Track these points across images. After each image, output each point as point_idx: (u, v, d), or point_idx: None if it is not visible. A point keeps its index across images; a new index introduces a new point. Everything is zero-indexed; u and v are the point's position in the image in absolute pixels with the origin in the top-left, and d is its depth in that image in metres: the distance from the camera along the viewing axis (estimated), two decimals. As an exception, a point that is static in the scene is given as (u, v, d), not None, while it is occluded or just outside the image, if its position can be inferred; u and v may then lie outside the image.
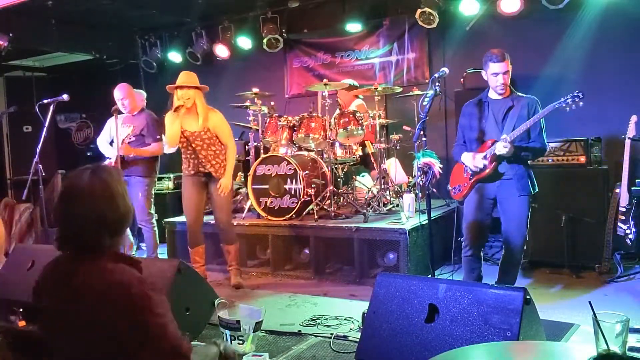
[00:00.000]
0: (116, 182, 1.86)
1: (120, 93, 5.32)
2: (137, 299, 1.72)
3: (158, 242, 5.55)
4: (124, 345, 1.71)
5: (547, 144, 3.83)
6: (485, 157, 3.76)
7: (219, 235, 4.98)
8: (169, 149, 5.36)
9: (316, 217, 5.17)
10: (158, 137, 5.35)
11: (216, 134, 4.68)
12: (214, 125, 4.66)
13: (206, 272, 4.97)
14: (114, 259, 1.81)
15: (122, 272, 1.77)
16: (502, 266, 3.99)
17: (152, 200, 5.49)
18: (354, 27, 6.74)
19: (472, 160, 3.81)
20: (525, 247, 3.89)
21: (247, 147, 6.50)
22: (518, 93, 3.88)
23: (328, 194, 5.29)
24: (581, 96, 3.50)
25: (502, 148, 3.62)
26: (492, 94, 3.89)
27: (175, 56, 7.74)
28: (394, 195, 5.62)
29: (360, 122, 5.33)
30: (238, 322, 3.33)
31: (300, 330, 3.73)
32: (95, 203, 1.79)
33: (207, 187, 4.79)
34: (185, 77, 4.63)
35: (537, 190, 3.85)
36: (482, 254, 4.05)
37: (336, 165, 5.65)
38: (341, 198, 5.66)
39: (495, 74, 3.75)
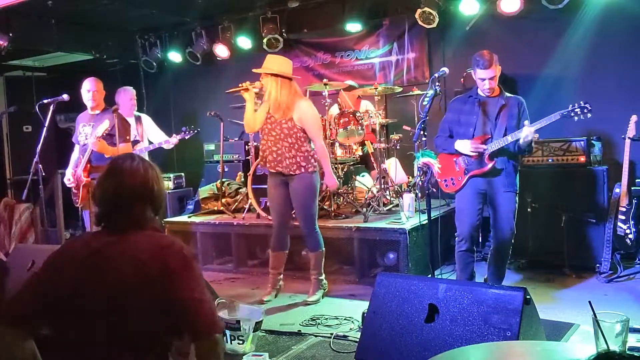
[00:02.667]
0: (154, 167, 2.01)
1: (90, 84, 5.02)
2: (189, 260, 1.85)
3: None
4: (164, 308, 1.78)
5: None
6: (483, 154, 3.83)
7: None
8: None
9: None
10: (127, 137, 5.03)
11: (302, 127, 4.21)
12: (302, 115, 4.18)
13: (281, 280, 4.62)
14: (157, 230, 1.95)
15: (171, 237, 1.95)
16: (493, 261, 4.05)
17: None
18: (353, 27, 6.73)
19: (470, 146, 3.85)
20: (513, 241, 3.99)
21: (247, 147, 6.51)
22: (506, 93, 3.97)
23: (328, 194, 5.29)
24: (589, 108, 3.59)
25: (526, 135, 3.66)
26: (482, 92, 3.96)
27: (175, 56, 7.74)
28: (394, 195, 5.62)
29: (360, 122, 5.33)
30: (238, 322, 3.33)
31: (300, 330, 3.73)
32: (143, 181, 1.94)
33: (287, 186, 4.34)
34: (266, 62, 4.25)
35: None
36: (475, 249, 4.09)
37: (336, 165, 5.64)
38: (341, 198, 5.66)
39: (482, 79, 3.83)
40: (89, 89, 5.01)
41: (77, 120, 5.16)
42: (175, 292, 1.78)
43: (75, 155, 5.18)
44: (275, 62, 4.25)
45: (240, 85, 4.31)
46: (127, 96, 6.05)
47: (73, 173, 4.96)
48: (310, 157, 4.25)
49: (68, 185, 4.97)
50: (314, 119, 4.26)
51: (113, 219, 1.90)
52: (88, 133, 4.98)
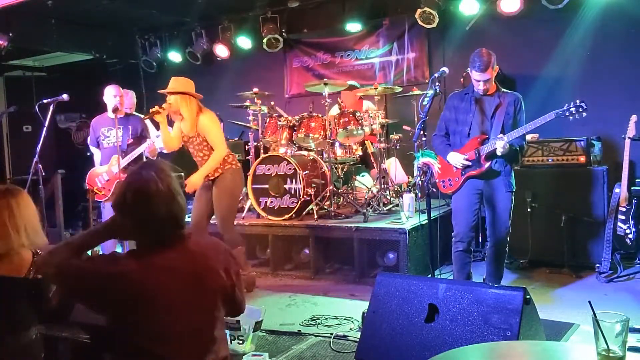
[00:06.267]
0: (174, 180, 2.00)
1: (116, 90, 5.19)
2: None
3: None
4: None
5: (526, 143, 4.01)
6: (479, 155, 3.81)
7: None
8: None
9: (316, 217, 5.17)
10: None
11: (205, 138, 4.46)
12: (202, 128, 4.44)
13: None
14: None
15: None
16: (491, 260, 4.04)
17: None
18: (353, 27, 6.74)
19: (460, 161, 3.87)
20: (512, 240, 4.02)
21: (246, 147, 6.50)
22: (503, 89, 3.94)
23: (328, 194, 5.29)
24: (584, 107, 3.54)
25: (501, 147, 3.67)
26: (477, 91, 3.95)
27: (175, 56, 7.75)
28: (394, 195, 5.62)
29: (360, 122, 5.34)
30: (238, 321, 3.32)
31: (300, 330, 3.73)
32: (166, 204, 1.95)
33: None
34: (171, 83, 4.51)
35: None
36: (472, 249, 4.09)
37: (336, 165, 5.65)
38: (341, 198, 5.66)
39: (477, 81, 3.82)
40: (115, 94, 5.20)
41: (95, 124, 5.30)
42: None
43: (98, 156, 5.32)
44: (180, 83, 4.48)
45: (151, 110, 4.44)
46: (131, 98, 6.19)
47: (107, 171, 5.14)
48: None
49: (101, 183, 5.13)
50: (213, 126, 4.49)
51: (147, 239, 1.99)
52: (119, 135, 5.06)
